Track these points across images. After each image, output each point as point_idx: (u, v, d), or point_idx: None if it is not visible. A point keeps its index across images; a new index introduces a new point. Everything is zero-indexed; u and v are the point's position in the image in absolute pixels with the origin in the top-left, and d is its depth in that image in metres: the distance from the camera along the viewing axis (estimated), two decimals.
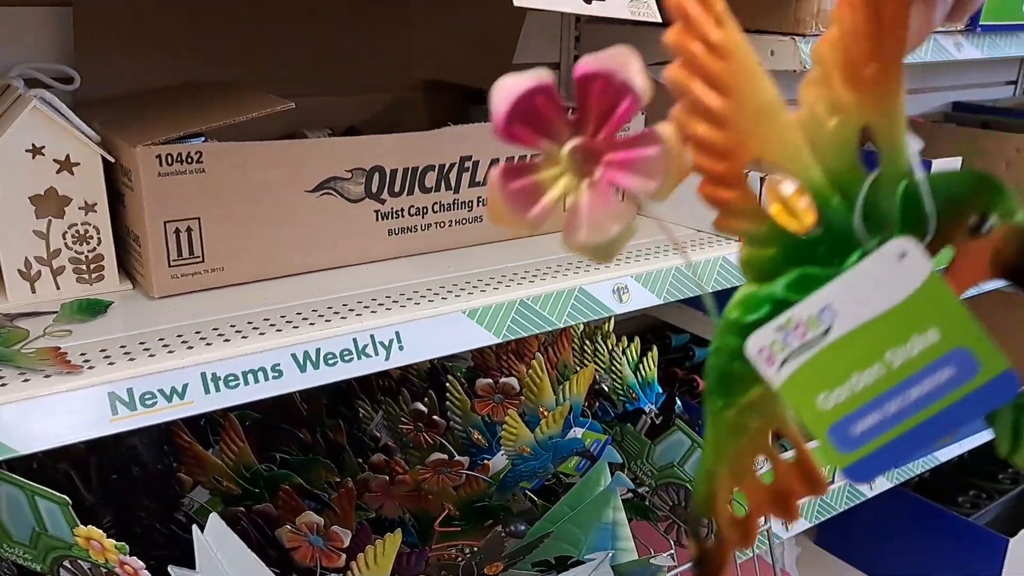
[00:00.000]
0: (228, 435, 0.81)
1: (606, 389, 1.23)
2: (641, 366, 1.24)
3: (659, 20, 0.75)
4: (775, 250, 0.34)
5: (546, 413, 0.89)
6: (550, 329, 0.83)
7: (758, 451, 0.37)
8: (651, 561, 0.85)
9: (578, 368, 1.22)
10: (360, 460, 0.95)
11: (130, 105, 0.90)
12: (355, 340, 0.73)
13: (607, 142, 0.32)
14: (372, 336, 0.74)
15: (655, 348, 1.24)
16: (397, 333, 0.75)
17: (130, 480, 0.78)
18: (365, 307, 0.77)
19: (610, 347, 1.25)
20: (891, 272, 0.33)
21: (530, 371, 0.90)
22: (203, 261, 0.79)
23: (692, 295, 0.94)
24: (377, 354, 0.74)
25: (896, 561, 1.76)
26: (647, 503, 1.13)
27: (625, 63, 0.31)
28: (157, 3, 0.97)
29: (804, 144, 0.33)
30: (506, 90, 0.31)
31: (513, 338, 0.80)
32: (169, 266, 0.78)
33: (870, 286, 0.33)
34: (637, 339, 1.26)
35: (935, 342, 0.33)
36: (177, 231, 0.77)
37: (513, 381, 0.93)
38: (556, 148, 0.33)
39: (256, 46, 1.04)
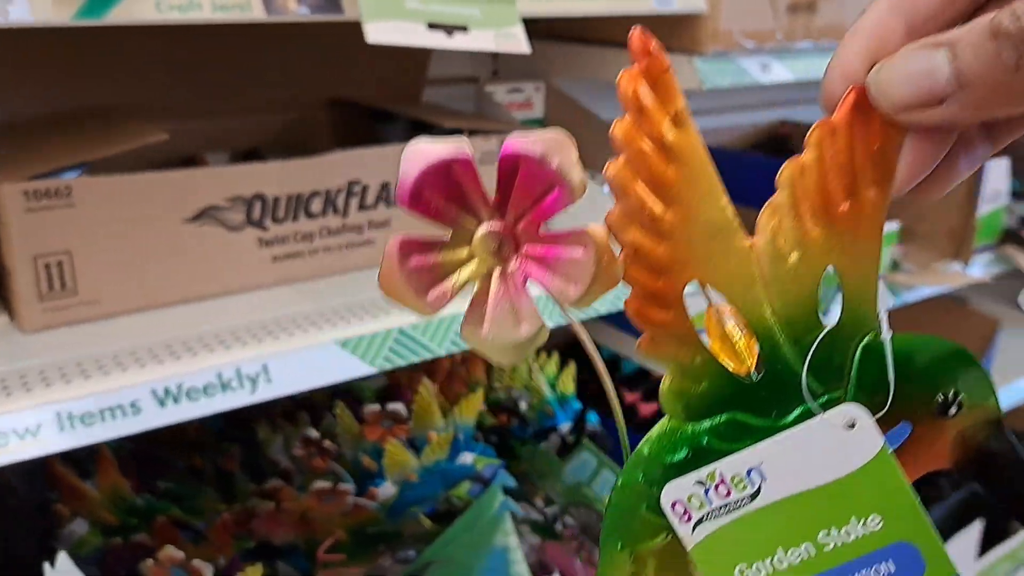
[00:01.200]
0: (102, 466, 0.81)
1: (523, 407, 1.24)
2: (559, 381, 1.24)
3: (527, 51, 0.75)
4: (706, 386, 0.31)
5: (434, 438, 0.89)
6: (430, 357, 0.83)
7: None
8: None
9: (493, 385, 1.23)
10: (257, 485, 0.95)
11: (5, 136, 0.89)
12: (219, 374, 0.73)
13: (528, 233, 0.29)
14: (238, 370, 0.73)
15: (573, 363, 1.24)
16: (265, 366, 0.75)
17: (3, 512, 0.78)
18: (236, 339, 0.77)
19: (529, 363, 1.25)
20: (836, 441, 0.29)
21: (417, 396, 0.90)
22: (77, 294, 0.79)
23: (586, 317, 0.94)
24: (243, 387, 0.73)
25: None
26: (556, 523, 1.13)
27: (560, 150, 0.28)
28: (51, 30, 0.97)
29: (756, 276, 0.30)
30: (420, 154, 0.28)
31: (390, 367, 0.80)
32: (40, 300, 0.77)
33: (810, 453, 0.30)
34: (556, 354, 1.26)
35: (876, 530, 0.30)
36: (48, 265, 0.77)
37: (400, 407, 0.92)
38: (468, 229, 0.29)
39: (154, 68, 1.03)
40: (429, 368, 1.21)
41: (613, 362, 1.52)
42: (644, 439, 0.32)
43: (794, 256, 0.30)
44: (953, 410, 0.31)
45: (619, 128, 0.29)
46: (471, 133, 1.00)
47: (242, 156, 1.07)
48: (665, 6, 0.94)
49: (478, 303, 0.30)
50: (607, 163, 0.29)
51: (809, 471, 0.30)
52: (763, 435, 0.30)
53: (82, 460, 0.87)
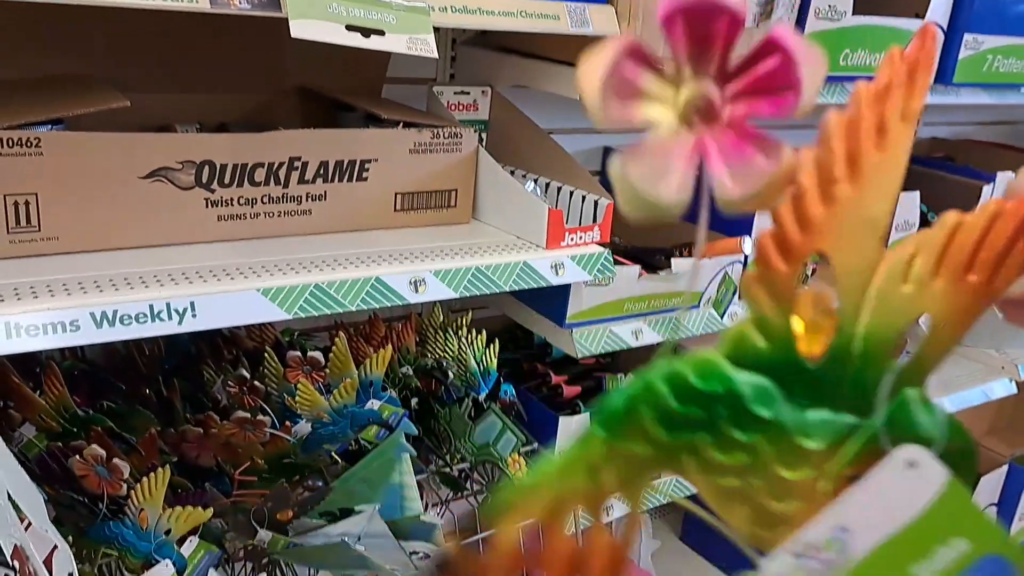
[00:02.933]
0: (49, 380, 0.94)
1: (451, 376, 1.37)
2: (484, 357, 1.37)
3: (435, 56, 0.88)
4: (767, 348, 0.32)
5: (344, 383, 1.02)
6: (342, 311, 0.96)
7: (622, 492, 0.34)
8: (422, 518, 0.98)
9: (420, 354, 1.36)
10: (195, 416, 1.08)
11: None
12: (151, 306, 0.86)
13: (735, 116, 0.29)
14: (168, 303, 0.86)
15: (496, 341, 1.37)
16: (192, 303, 0.88)
17: None
18: (171, 279, 0.90)
19: (461, 339, 1.38)
20: (902, 483, 0.30)
21: (333, 348, 1.03)
22: (39, 231, 0.92)
23: (488, 292, 1.07)
24: (171, 319, 0.86)
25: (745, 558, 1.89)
26: (462, 477, 1.26)
27: (817, 68, 0.28)
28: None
29: (870, 283, 0.31)
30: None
31: (304, 316, 0.93)
32: (7, 232, 0.90)
33: (883, 500, 0.31)
34: (484, 332, 1.39)
35: (964, 551, 0.31)
36: (16, 203, 0.90)
37: (319, 355, 1.06)
38: (689, 77, 0.29)
39: (136, 46, 1.17)
40: (367, 334, 1.35)
41: (543, 348, 1.65)
42: (685, 356, 0.33)
43: (909, 288, 0.30)
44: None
45: (865, 89, 0.30)
46: (406, 125, 1.13)
47: (211, 130, 1.20)
48: (580, 28, 1.07)
49: (651, 146, 0.29)
50: (831, 112, 0.30)
51: (888, 516, 0.31)
52: (768, 429, 0.31)
53: (35, 374, 1.00)
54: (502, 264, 1.07)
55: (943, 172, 1.81)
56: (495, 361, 1.36)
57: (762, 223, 1.42)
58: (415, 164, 1.13)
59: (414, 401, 1.30)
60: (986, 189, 1.72)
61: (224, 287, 0.90)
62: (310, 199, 1.07)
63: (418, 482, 1.31)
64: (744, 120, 0.29)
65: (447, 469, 1.23)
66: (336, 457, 1.06)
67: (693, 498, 0.39)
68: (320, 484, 1.02)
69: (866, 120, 0.30)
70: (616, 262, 1.34)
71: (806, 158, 0.30)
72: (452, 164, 1.16)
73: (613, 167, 0.29)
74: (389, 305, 0.99)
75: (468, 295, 1.05)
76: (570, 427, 1.34)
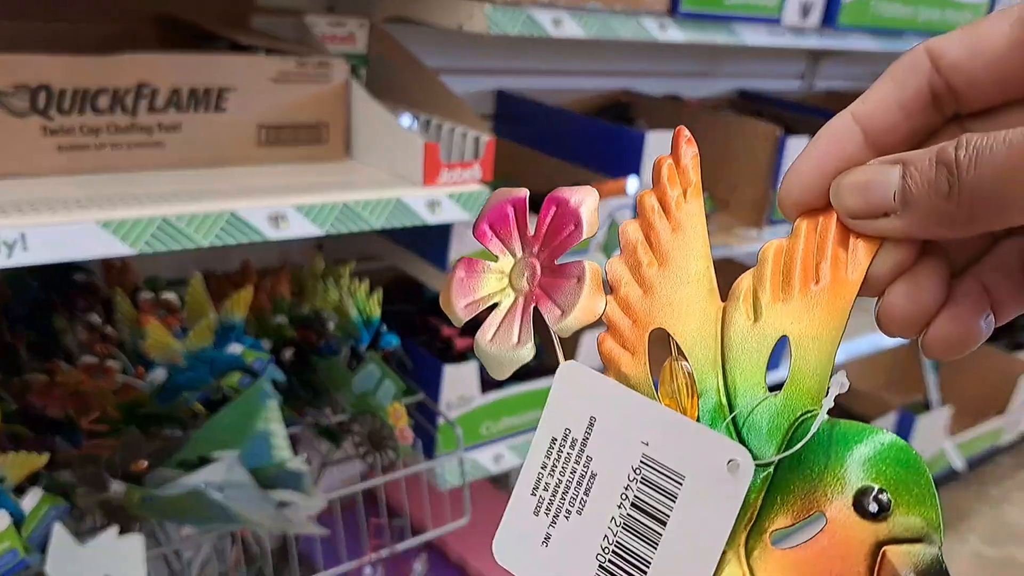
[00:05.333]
0: None
1: (331, 327, 1.31)
2: (366, 306, 1.32)
3: None
4: None
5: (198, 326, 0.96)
6: (195, 247, 0.90)
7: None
8: (288, 466, 0.94)
9: (297, 304, 1.30)
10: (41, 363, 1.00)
11: None
12: None
13: (547, 264, 0.34)
14: None
15: (380, 290, 1.32)
16: (23, 235, 0.81)
17: None
18: (1, 211, 0.82)
19: (342, 289, 1.32)
20: (711, 469, 0.30)
21: (188, 288, 0.97)
22: None
23: (358, 230, 1.02)
24: None
25: None
26: (342, 428, 1.22)
27: (587, 198, 0.33)
28: None
29: (716, 335, 0.32)
30: (497, 197, 0.35)
31: (152, 251, 0.87)
32: None
33: (681, 447, 0.31)
34: (367, 281, 1.34)
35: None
36: None
37: (173, 297, 0.99)
38: (510, 257, 0.35)
39: None
40: (236, 281, 1.28)
41: (434, 301, 1.61)
42: None
43: (754, 321, 0.31)
44: (874, 508, 0.28)
45: (643, 193, 0.34)
46: (268, 52, 1.06)
47: None
48: None
49: (495, 318, 0.34)
50: (625, 222, 0.34)
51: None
52: None
53: None
54: (373, 200, 1.02)
55: None
56: (378, 310, 1.31)
57: (650, 160, 1.41)
58: (279, 95, 1.06)
59: (290, 352, 1.24)
60: None
61: (60, 218, 0.83)
62: (161, 130, 1.00)
63: (295, 436, 1.27)
64: (552, 263, 0.33)
65: (325, 422, 1.19)
66: (199, 407, 1.00)
67: None
68: (178, 434, 0.96)
69: (650, 216, 0.33)
70: None
71: (612, 261, 0.33)
72: (321, 96, 1.10)
73: (476, 349, 0.34)
74: (247, 241, 0.93)
75: (336, 232, 1.00)
76: (456, 375, 1.30)
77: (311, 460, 1.33)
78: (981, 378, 2.56)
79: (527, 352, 0.34)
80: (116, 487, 0.92)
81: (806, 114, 1.88)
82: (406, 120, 1.15)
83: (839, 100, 2.21)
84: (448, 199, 1.09)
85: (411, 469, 1.22)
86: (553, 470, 0.34)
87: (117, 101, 0.95)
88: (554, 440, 0.34)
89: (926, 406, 2.27)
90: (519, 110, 1.64)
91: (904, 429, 2.16)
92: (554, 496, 0.33)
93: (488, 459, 1.38)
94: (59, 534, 0.84)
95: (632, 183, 1.27)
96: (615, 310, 0.33)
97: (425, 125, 1.24)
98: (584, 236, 0.33)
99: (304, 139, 1.12)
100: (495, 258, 0.35)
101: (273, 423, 0.96)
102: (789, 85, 2.23)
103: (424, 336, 1.54)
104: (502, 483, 1.97)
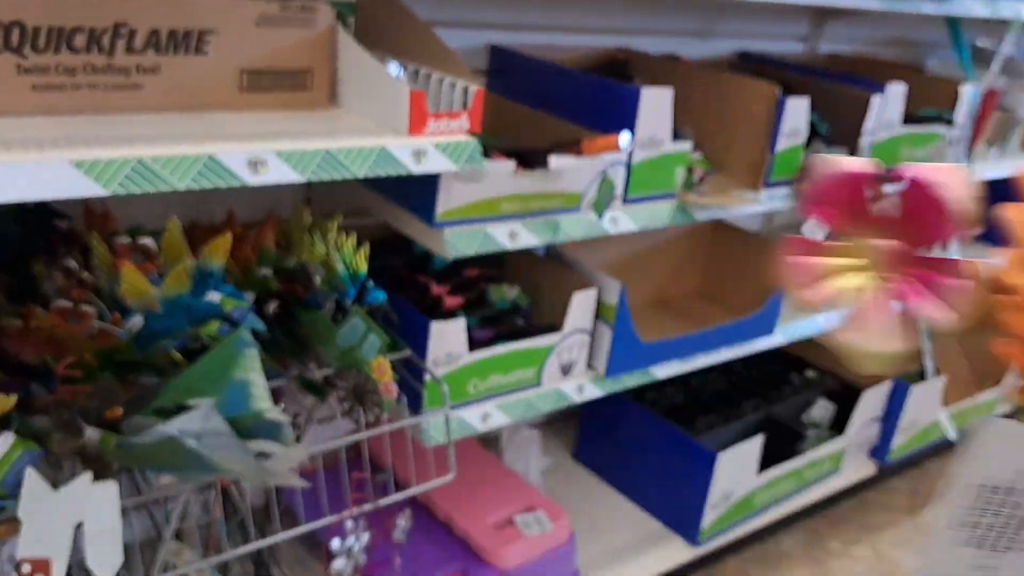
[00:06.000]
0: None
1: (318, 281, 1.29)
2: (353, 261, 1.30)
3: None
4: None
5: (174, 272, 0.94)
6: (169, 189, 0.88)
7: None
8: (266, 415, 0.92)
9: (282, 256, 1.28)
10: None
11: None
12: None
13: (910, 255, 0.29)
14: None
15: (367, 245, 1.30)
16: None
17: None
18: None
19: (329, 242, 1.30)
20: None
21: (165, 233, 0.95)
22: None
23: (340, 177, 0.99)
24: None
25: (634, 472, 1.90)
26: (326, 384, 1.21)
27: (949, 178, 0.27)
28: None
29: None
30: (831, 165, 0.30)
31: (125, 192, 0.85)
32: None
33: None
34: (354, 235, 1.32)
35: None
36: None
37: (150, 242, 0.97)
38: (860, 242, 0.29)
39: None
40: (220, 232, 1.26)
41: (424, 258, 1.59)
42: None
43: None
44: None
45: None
46: None
47: None
48: None
49: (859, 312, 0.31)
50: (1009, 208, 0.30)
51: None
52: None
53: None
54: (356, 148, 1.00)
55: (837, 83, 1.79)
56: (364, 265, 1.29)
57: (644, 116, 1.38)
58: (262, 38, 1.03)
59: (274, 305, 1.23)
60: (875, 99, 1.71)
61: (30, 157, 0.81)
62: (140, 71, 0.97)
63: (279, 389, 1.25)
64: (920, 253, 0.30)
65: (309, 375, 1.17)
66: (177, 355, 0.98)
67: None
68: (155, 382, 0.95)
69: None
70: (490, 158, 1.28)
71: (1013, 258, 0.30)
72: (305, 41, 1.08)
73: (840, 344, 0.30)
74: (225, 186, 0.91)
75: (317, 180, 0.98)
76: (443, 332, 1.29)
77: (298, 414, 1.32)
78: (977, 350, 2.54)
79: (903, 350, 0.30)
80: (91, 433, 0.90)
81: (808, 76, 1.84)
82: (393, 68, 1.12)
83: (842, 63, 2.17)
84: (434, 149, 1.06)
85: (396, 424, 1.21)
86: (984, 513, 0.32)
87: (94, 40, 0.93)
88: (982, 487, 0.32)
89: (922, 376, 2.26)
90: (512, 65, 1.61)
91: (898, 399, 2.14)
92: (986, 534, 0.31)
93: (475, 418, 1.37)
94: (31, 478, 0.83)
95: (625, 138, 1.24)
96: (1018, 318, 0.30)
97: (414, 75, 1.21)
98: (966, 233, 0.26)
99: (287, 85, 1.09)
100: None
101: (251, 372, 0.95)
102: (792, 48, 2.19)
103: (413, 292, 1.52)
104: (491, 444, 1.97)
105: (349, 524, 1.12)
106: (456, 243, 1.22)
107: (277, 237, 1.37)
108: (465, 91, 1.13)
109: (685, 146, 1.45)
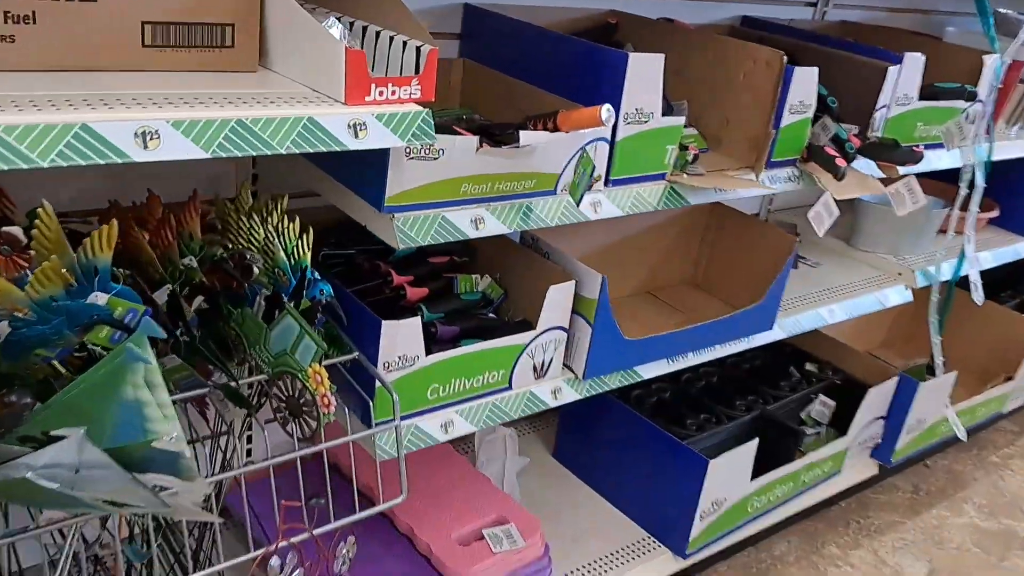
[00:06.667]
0: None
1: (256, 271, 1.13)
2: (296, 249, 1.13)
3: None
4: None
5: (66, 274, 0.77)
6: (29, 167, 0.70)
7: None
8: (155, 445, 0.76)
9: (210, 242, 1.11)
10: None
11: None
12: None
13: None
14: None
15: (310, 230, 1.13)
16: None
17: None
18: None
19: (269, 227, 1.13)
20: None
21: (37, 223, 0.78)
22: None
23: (255, 152, 0.82)
24: None
25: (619, 475, 1.75)
26: (258, 392, 1.04)
27: None
28: None
29: None
30: None
31: None
32: None
33: None
34: (298, 220, 1.15)
35: None
36: None
37: (17, 231, 0.80)
38: None
39: None
40: (139, 217, 1.09)
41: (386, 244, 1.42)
42: None
43: None
44: None
45: None
46: None
47: None
48: None
49: None
50: None
51: None
52: None
53: None
54: (276, 119, 0.83)
55: (848, 52, 1.61)
56: (308, 254, 1.12)
57: (631, 86, 1.20)
58: None
59: (199, 300, 1.06)
60: (892, 70, 1.53)
61: None
62: (12, 21, 0.79)
63: (203, 400, 1.09)
64: None
65: (233, 383, 1.01)
66: (57, 367, 0.81)
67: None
68: (27, 400, 0.78)
69: None
70: (453, 133, 1.10)
71: None
72: None
73: None
74: (103, 163, 0.74)
75: (224, 155, 0.80)
76: (395, 333, 1.12)
77: (230, 423, 1.16)
78: (989, 340, 2.39)
79: None
80: None
81: (815, 43, 1.66)
82: (333, 25, 0.94)
83: (853, 31, 1.98)
84: (375, 121, 0.89)
85: (335, 441, 1.04)
86: None
87: None
88: None
89: (930, 370, 2.10)
90: (488, 28, 1.43)
91: (904, 396, 1.99)
92: None
93: (435, 426, 1.21)
94: None
95: (606, 112, 1.06)
96: None
97: (361, 32, 1.03)
98: None
99: (204, 41, 0.92)
100: None
101: (142, 391, 0.78)
102: (800, 14, 2.01)
103: (373, 282, 1.36)
104: (463, 442, 1.81)
105: (275, 562, 0.96)
106: (408, 231, 1.05)
107: (214, 220, 1.20)
108: (417, 52, 0.96)
109: (678, 121, 1.27)
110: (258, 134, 0.82)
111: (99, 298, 0.79)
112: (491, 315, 1.37)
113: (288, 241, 1.13)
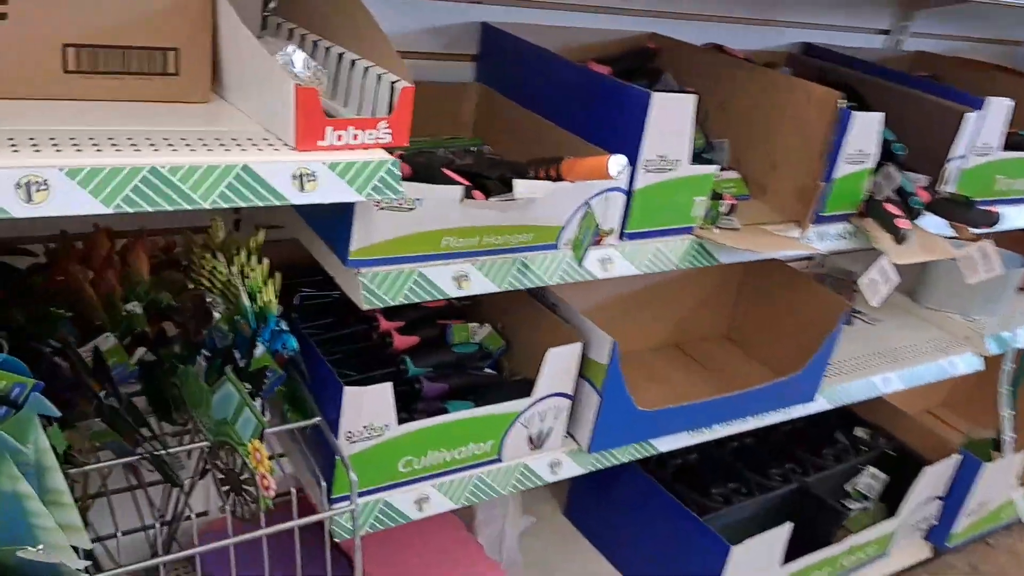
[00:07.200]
0: None
1: (216, 316, 1.01)
2: (261, 293, 1.01)
3: None
4: None
5: None
6: None
7: None
8: (17, 554, 0.64)
9: (154, 285, 0.99)
10: None
11: None
12: None
13: None
14: None
15: (278, 274, 1.00)
16: None
17: None
18: None
19: (236, 266, 1.01)
20: None
21: None
22: None
23: (172, 208, 0.69)
24: None
25: (632, 545, 1.58)
26: (200, 460, 0.92)
27: None
28: None
29: None
30: None
31: None
32: None
33: None
34: (267, 261, 1.02)
35: None
36: None
37: None
38: None
39: None
40: (84, 255, 0.98)
41: None
42: None
43: None
44: None
45: None
46: None
47: None
48: None
49: None
50: None
51: None
52: None
53: None
54: (202, 167, 0.70)
55: (921, 92, 1.42)
56: (274, 300, 0.99)
57: (654, 129, 1.04)
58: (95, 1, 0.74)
59: (141, 351, 0.95)
60: (970, 117, 1.34)
61: None
62: None
63: (130, 466, 0.97)
64: None
65: (162, 451, 0.89)
66: None
67: None
68: None
69: None
70: (442, 179, 0.96)
71: None
72: (168, 8, 0.77)
73: None
74: None
75: (129, 211, 0.68)
76: (360, 401, 0.98)
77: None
78: None
79: None
80: None
81: (883, 79, 1.47)
82: (291, 53, 0.80)
83: (930, 64, 1.77)
84: (327, 171, 0.75)
85: (278, 527, 0.91)
86: None
87: None
88: None
89: (996, 445, 1.88)
90: (505, 50, 1.29)
91: (967, 477, 1.77)
92: None
93: (407, 502, 1.07)
94: None
95: (616, 165, 0.91)
96: None
97: (337, 60, 0.89)
98: None
99: (140, 67, 0.79)
100: None
101: (21, 483, 0.66)
102: (871, 42, 1.81)
103: (358, 327, 1.23)
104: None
105: None
106: (375, 289, 0.91)
107: (179, 255, 1.09)
108: (392, 88, 0.82)
109: (708, 170, 1.11)
110: (176, 185, 0.69)
111: None
112: (488, 370, 1.23)
113: (252, 284, 1.01)
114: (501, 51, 1.30)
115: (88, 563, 0.81)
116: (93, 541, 1.05)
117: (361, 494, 1.02)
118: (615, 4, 1.44)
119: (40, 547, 0.65)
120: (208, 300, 1.01)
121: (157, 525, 1.05)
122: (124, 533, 0.96)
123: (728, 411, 1.34)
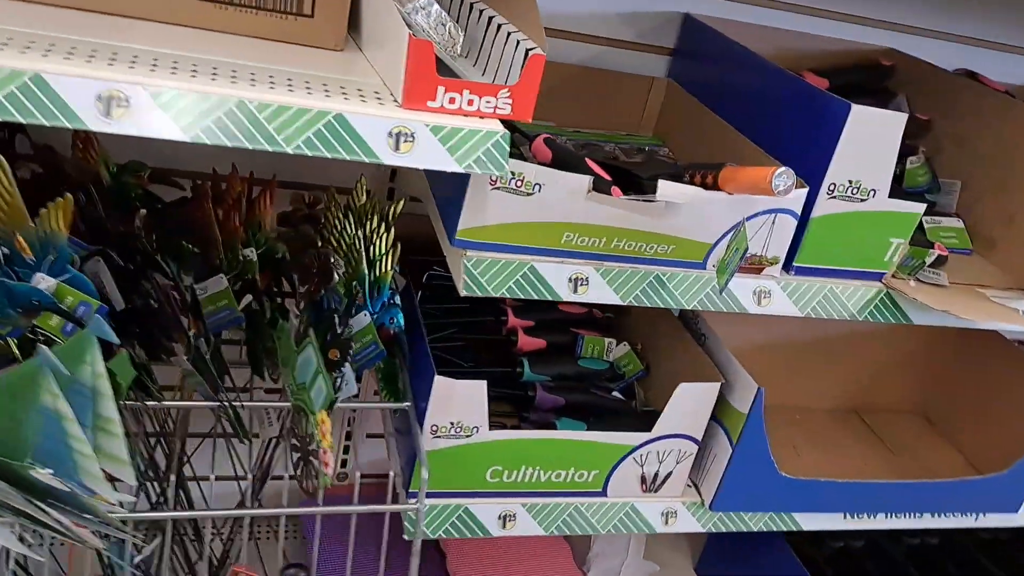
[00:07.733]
0: None
1: (336, 276, 0.97)
2: (381, 263, 0.96)
3: None
4: None
5: (23, 243, 0.66)
6: None
7: None
8: (30, 472, 0.62)
9: (279, 236, 0.97)
10: None
11: None
12: None
13: None
14: None
15: (398, 246, 0.95)
16: None
17: None
18: None
19: (363, 232, 0.98)
20: None
21: None
22: None
23: (252, 147, 0.65)
24: None
25: None
26: (278, 420, 0.89)
27: None
28: None
29: None
30: None
31: None
32: None
33: None
34: (391, 232, 0.97)
35: None
36: None
37: None
38: None
39: None
40: (216, 194, 0.98)
41: None
42: None
43: None
44: None
45: None
46: None
47: None
48: None
49: None
50: None
51: None
52: None
53: None
54: (292, 108, 0.65)
55: None
56: (390, 272, 0.94)
57: (847, 147, 0.86)
58: None
59: (248, 298, 0.93)
60: None
61: None
62: None
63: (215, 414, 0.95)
64: None
65: (240, 405, 0.86)
66: (13, 346, 0.71)
67: None
68: None
69: None
70: (584, 170, 0.85)
71: None
72: None
73: None
74: (50, 125, 0.60)
75: (209, 142, 0.64)
76: (449, 393, 0.90)
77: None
78: None
79: None
80: None
81: None
82: (429, 5, 0.74)
83: None
84: (427, 132, 0.68)
85: (337, 508, 0.86)
86: None
87: None
88: None
89: None
90: (705, 45, 1.15)
91: None
92: None
93: (490, 516, 0.98)
94: None
95: (779, 179, 0.76)
96: None
97: (481, 21, 0.82)
98: None
99: (274, 4, 0.76)
100: None
101: (60, 402, 0.65)
102: None
103: (485, 318, 1.15)
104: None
105: None
106: (478, 275, 0.83)
107: (320, 212, 1.07)
108: (525, 54, 0.73)
109: (913, 208, 0.91)
110: (261, 123, 0.64)
111: (43, 282, 0.67)
112: (616, 394, 1.10)
113: (376, 253, 0.96)
114: (701, 47, 1.17)
115: (133, 499, 0.80)
116: (189, 480, 1.06)
117: (437, 495, 0.94)
118: (847, 10, 1.26)
119: (48, 470, 0.63)
120: (332, 260, 0.98)
121: (249, 477, 1.04)
122: (218, 479, 0.94)
123: (900, 501, 1.12)
